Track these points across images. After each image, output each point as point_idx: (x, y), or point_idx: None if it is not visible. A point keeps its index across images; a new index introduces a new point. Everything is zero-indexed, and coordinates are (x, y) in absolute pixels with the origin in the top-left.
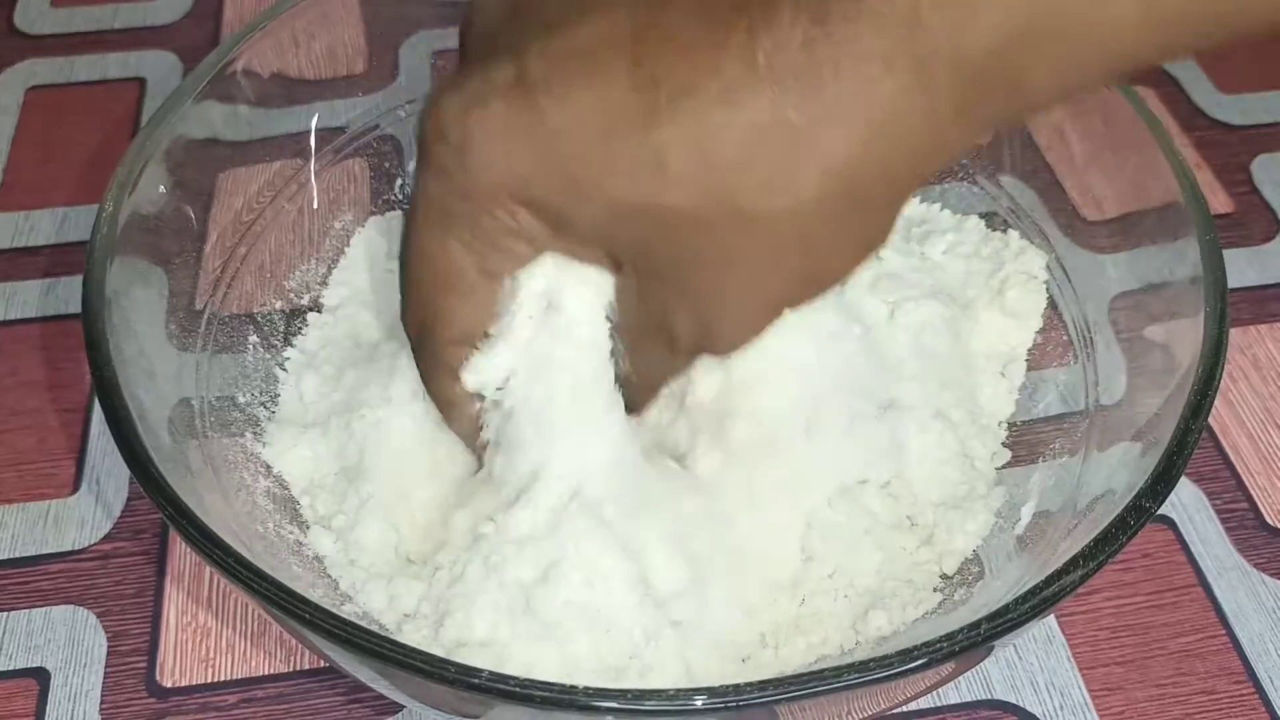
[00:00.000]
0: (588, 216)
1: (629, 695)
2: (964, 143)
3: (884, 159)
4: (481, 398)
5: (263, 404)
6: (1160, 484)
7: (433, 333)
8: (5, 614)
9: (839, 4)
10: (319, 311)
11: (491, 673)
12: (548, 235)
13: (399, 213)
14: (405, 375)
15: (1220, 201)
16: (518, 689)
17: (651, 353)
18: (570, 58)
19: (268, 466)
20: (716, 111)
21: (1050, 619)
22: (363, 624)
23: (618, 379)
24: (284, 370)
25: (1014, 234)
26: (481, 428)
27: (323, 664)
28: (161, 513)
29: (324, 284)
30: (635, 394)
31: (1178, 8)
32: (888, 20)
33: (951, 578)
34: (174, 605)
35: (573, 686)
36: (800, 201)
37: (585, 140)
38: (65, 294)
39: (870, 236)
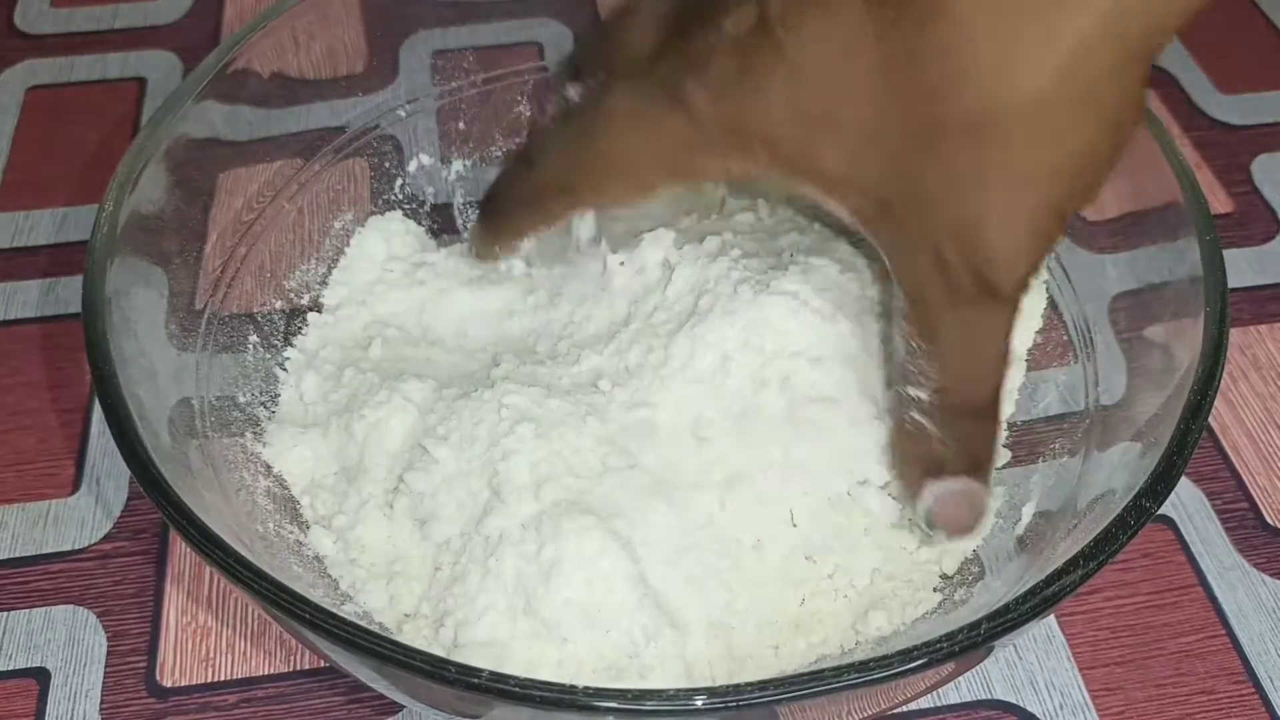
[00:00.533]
0: (835, 153)
1: (629, 695)
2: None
3: (1127, 23)
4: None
5: (263, 404)
6: (1160, 484)
7: (567, 181)
8: (5, 614)
9: None
10: (319, 311)
11: (491, 673)
12: (789, 179)
13: (399, 212)
14: (406, 375)
15: (1220, 201)
16: (517, 689)
17: (948, 321)
18: None
19: (268, 466)
20: (943, 8)
21: (1050, 619)
22: (363, 624)
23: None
24: (284, 370)
25: None
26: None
27: (323, 664)
28: (161, 513)
29: (324, 284)
30: (965, 398)
31: None
32: None
33: (951, 578)
34: (174, 605)
35: (572, 686)
36: (1041, 79)
37: (825, 69)
38: (65, 294)
39: (1123, 114)
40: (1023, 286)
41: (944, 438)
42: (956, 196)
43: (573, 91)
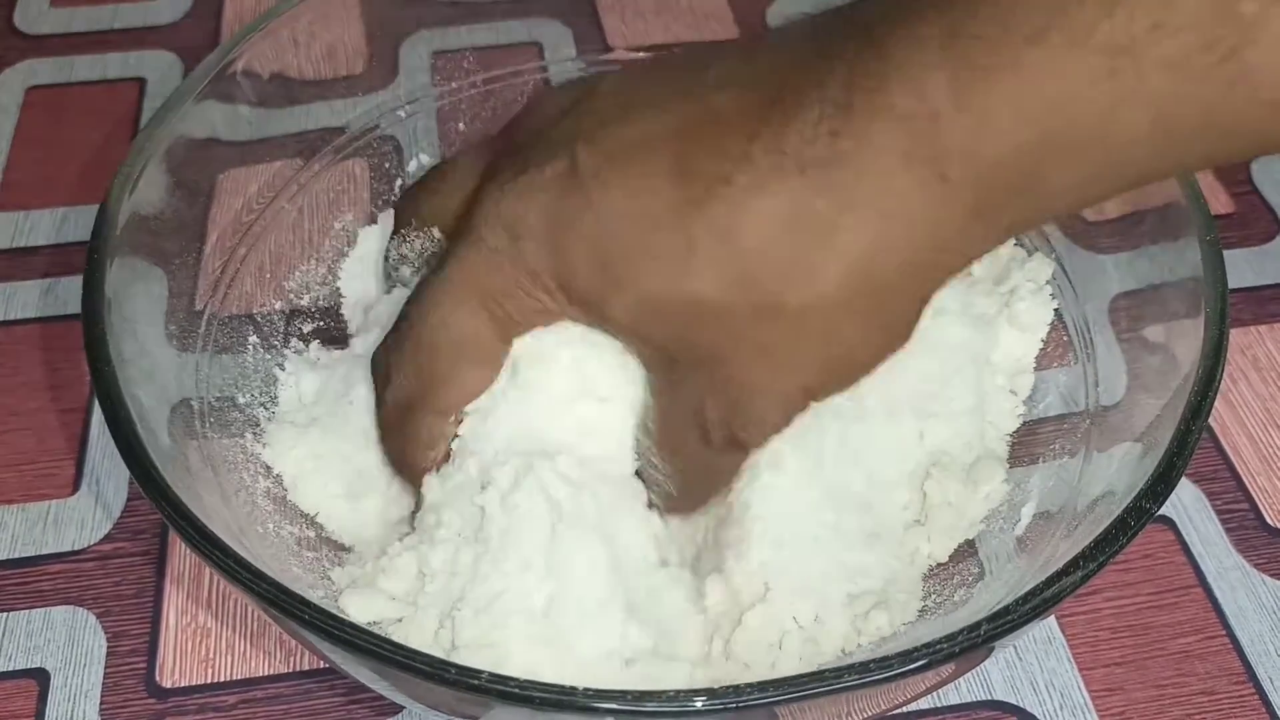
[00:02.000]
0: (623, 307)
1: (629, 696)
2: (985, 244)
3: (901, 250)
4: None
5: (262, 404)
6: (1161, 485)
7: (429, 402)
8: (5, 614)
9: (863, 99)
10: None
11: (491, 674)
12: (582, 316)
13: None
14: None
15: (1220, 202)
16: (517, 690)
17: (690, 452)
18: (618, 152)
19: (267, 467)
20: (746, 200)
21: (1050, 619)
22: (362, 625)
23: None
24: (283, 370)
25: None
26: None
27: (322, 665)
28: (161, 513)
29: (324, 284)
30: (678, 503)
31: (1188, 124)
32: (908, 119)
33: (946, 564)
34: (174, 606)
35: (572, 688)
36: (822, 290)
37: (626, 229)
38: (65, 294)
39: (894, 331)
40: (763, 445)
41: (672, 502)
42: (731, 366)
43: (396, 254)
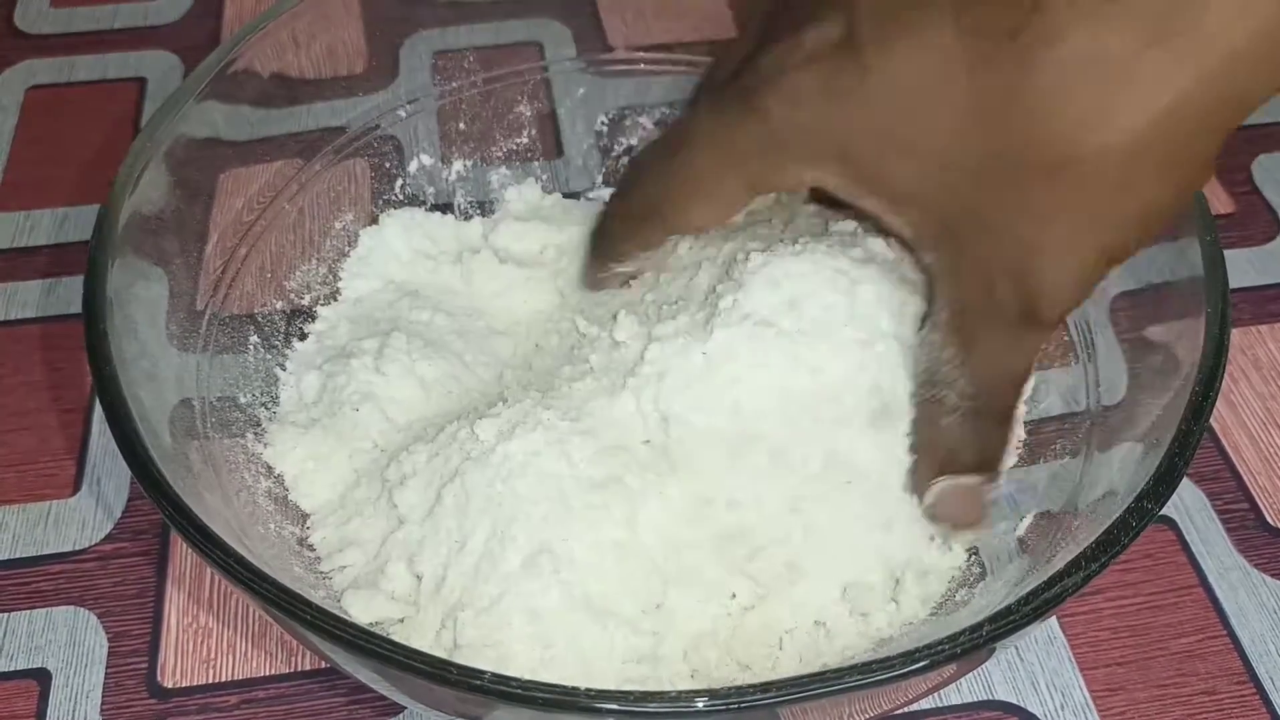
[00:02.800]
0: (908, 173)
1: (630, 697)
2: None
3: (1218, 89)
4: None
5: (263, 404)
6: (1162, 485)
7: (663, 214)
8: (6, 615)
9: None
10: (327, 304)
11: (494, 674)
12: (853, 191)
13: (407, 210)
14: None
15: (1221, 201)
16: (519, 690)
17: (985, 338)
18: (895, 13)
19: (268, 467)
20: (1038, 50)
21: (1052, 619)
22: (363, 625)
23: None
24: (284, 370)
25: None
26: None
27: (324, 665)
28: (162, 513)
29: (324, 284)
30: (964, 428)
31: None
32: None
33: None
34: (175, 606)
35: (574, 688)
36: (1123, 135)
37: (911, 93)
38: (65, 294)
39: (1195, 171)
40: (1062, 319)
41: (961, 437)
42: (1023, 230)
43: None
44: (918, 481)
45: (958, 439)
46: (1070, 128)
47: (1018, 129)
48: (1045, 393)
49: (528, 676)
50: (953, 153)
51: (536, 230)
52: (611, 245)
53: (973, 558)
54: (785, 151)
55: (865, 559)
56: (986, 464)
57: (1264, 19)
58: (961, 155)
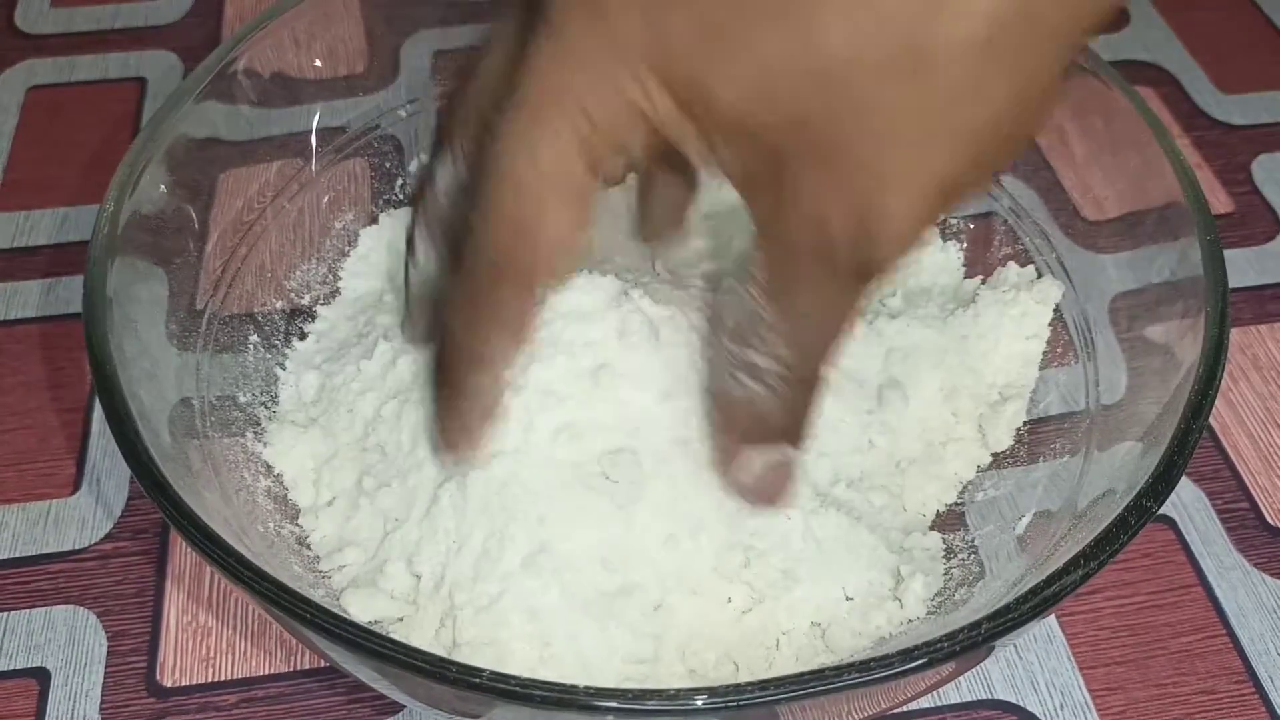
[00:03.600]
0: (733, 84)
1: (629, 695)
2: None
3: None
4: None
5: (263, 404)
6: (1161, 484)
7: (512, 258)
8: (5, 614)
9: None
10: (327, 304)
11: (492, 672)
12: (676, 118)
13: (407, 210)
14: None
15: (1221, 201)
16: (518, 689)
17: (806, 292)
18: None
19: (268, 466)
20: None
21: (1051, 618)
22: (363, 624)
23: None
24: (284, 370)
25: (1029, 268)
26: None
27: (323, 664)
28: (162, 512)
29: (324, 283)
30: (774, 393)
31: None
32: None
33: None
34: (174, 605)
35: (573, 686)
36: (968, 27)
37: None
38: (65, 294)
39: (1035, 81)
40: (888, 270)
41: (770, 402)
42: (859, 151)
43: (444, 169)
44: (718, 450)
45: (765, 405)
46: (913, 21)
47: (858, 19)
48: (1045, 392)
49: (526, 675)
50: (784, 56)
51: None
52: (483, 343)
53: (972, 557)
54: (606, 74)
55: (863, 561)
56: (794, 433)
57: None
58: (794, 58)
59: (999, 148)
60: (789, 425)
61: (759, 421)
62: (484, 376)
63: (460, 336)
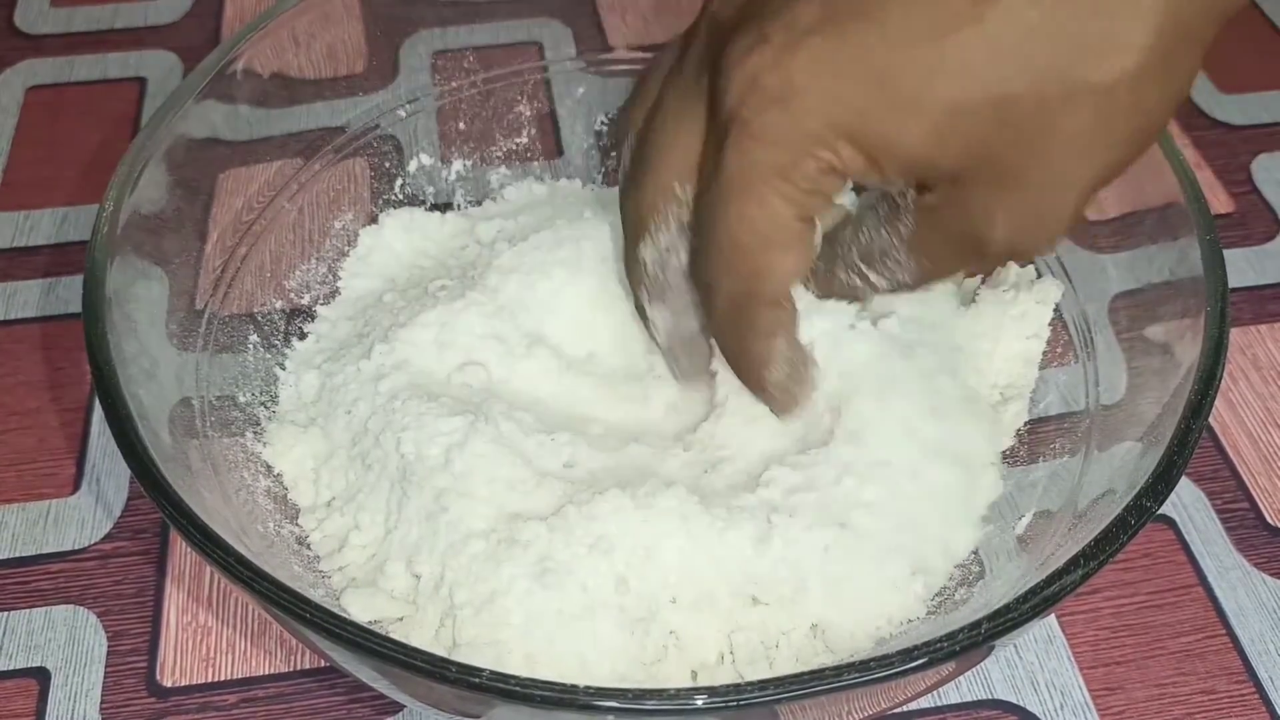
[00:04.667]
0: (919, 130)
1: (629, 695)
2: None
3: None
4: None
5: (263, 404)
6: (1161, 484)
7: (757, 294)
8: (5, 614)
9: None
10: (326, 304)
11: (492, 672)
12: (864, 167)
13: (407, 210)
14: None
15: (1220, 201)
16: (518, 688)
17: (945, 260)
18: None
19: (268, 466)
20: None
21: (1051, 618)
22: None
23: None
24: (284, 370)
25: (1029, 268)
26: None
27: (323, 664)
28: (162, 512)
29: (324, 283)
30: (875, 291)
31: None
32: None
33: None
34: (174, 605)
35: (573, 686)
36: (1131, 57)
37: (911, 49)
38: (65, 294)
39: (1183, 83)
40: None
41: (877, 293)
42: (1033, 169)
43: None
44: (811, 289)
45: (864, 292)
46: (1083, 57)
47: (1034, 68)
48: (1044, 392)
49: (526, 675)
50: (971, 96)
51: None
52: (746, 355)
53: (972, 556)
54: (800, 147)
55: (865, 562)
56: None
57: None
58: (968, 103)
59: (1153, 134)
60: (868, 298)
61: (852, 295)
62: (774, 367)
63: (742, 361)
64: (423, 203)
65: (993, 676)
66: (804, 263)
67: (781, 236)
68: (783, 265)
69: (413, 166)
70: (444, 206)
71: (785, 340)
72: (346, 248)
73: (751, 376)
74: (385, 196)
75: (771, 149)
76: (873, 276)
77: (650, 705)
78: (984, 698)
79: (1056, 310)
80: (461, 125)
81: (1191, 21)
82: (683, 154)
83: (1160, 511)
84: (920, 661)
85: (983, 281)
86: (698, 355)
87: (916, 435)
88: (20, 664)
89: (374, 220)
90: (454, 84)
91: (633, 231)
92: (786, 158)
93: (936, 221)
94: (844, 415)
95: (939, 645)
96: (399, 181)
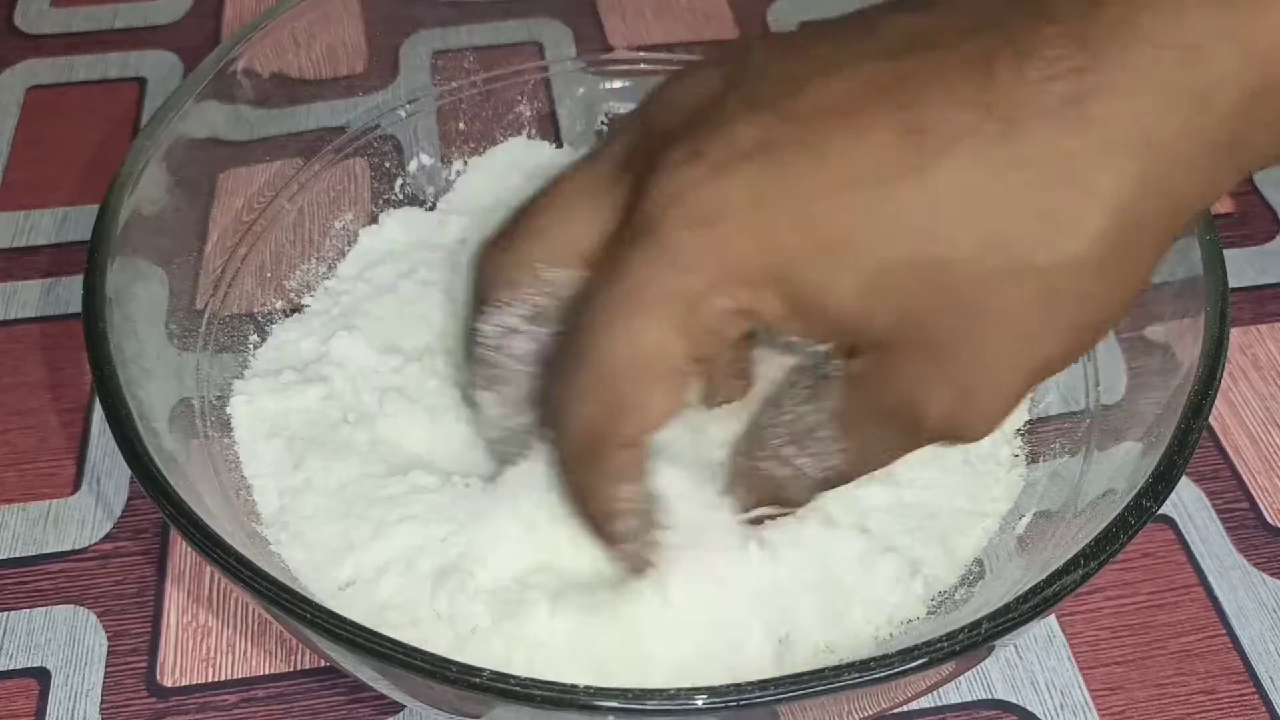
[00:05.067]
0: (849, 286)
1: (629, 695)
2: (1230, 181)
3: (1162, 191)
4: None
5: None
6: (1161, 483)
7: (617, 429)
8: (5, 614)
9: (1108, 29)
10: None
11: (492, 672)
12: (784, 315)
13: (407, 210)
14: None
15: (1220, 201)
16: (518, 688)
17: (875, 442)
18: (825, 113)
19: None
20: (992, 149)
21: (1051, 618)
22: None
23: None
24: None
25: None
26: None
27: (323, 663)
28: (162, 512)
29: (324, 283)
30: (803, 484)
31: None
32: (1165, 48)
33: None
34: (174, 605)
35: (573, 686)
36: (1080, 242)
37: (849, 196)
38: (65, 294)
39: (1136, 282)
40: (982, 438)
41: (795, 486)
42: (965, 347)
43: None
44: (739, 502)
45: (789, 489)
46: (1027, 234)
47: (976, 234)
48: (1045, 392)
49: (526, 675)
50: (906, 258)
51: None
52: (592, 502)
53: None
54: (714, 280)
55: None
56: (802, 504)
57: (1185, 116)
58: (909, 265)
59: (1102, 329)
60: (803, 502)
61: (778, 494)
62: (624, 518)
63: (589, 504)
64: (423, 203)
65: (993, 676)
66: (674, 411)
67: (663, 372)
68: (655, 404)
69: (413, 166)
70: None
71: (637, 487)
72: (346, 248)
73: (597, 522)
74: (385, 196)
75: (684, 273)
76: (801, 460)
77: (650, 705)
78: (984, 698)
79: None
80: (461, 125)
81: (1153, 215)
82: (566, 237)
83: (1160, 511)
84: (920, 661)
85: None
86: (524, 450)
87: None
88: (20, 664)
89: (374, 220)
90: (454, 84)
91: (478, 297)
92: (699, 286)
93: (866, 392)
94: None
95: (939, 645)
96: (399, 181)
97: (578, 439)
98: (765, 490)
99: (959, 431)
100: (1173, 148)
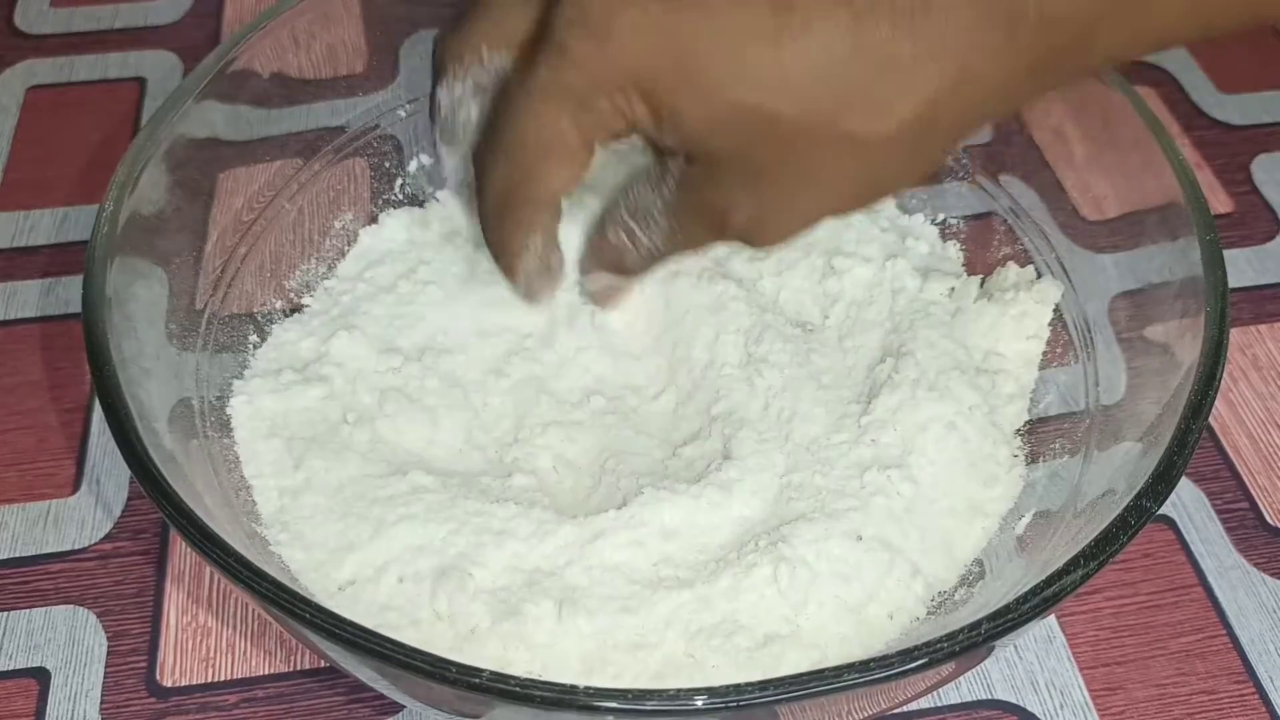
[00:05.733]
0: (700, 114)
1: (629, 695)
2: (1029, 99)
3: (966, 98)
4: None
5: None
6: (1161, 484)
7: (524, 191)
8: (5, 614)
9: None
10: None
11: (492, 672)
12: (648, 122)
13: (407, 210)
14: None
15: (1220, 201)
16: (518, 689)
17: (690, 229)
18: None
19: None
20: (840, 36)
21: (1051, 619)
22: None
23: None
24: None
25: (1029, 268)
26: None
27: (323, 664)
28: (161, 513)
29: (324, 283)
30: (637, 255)
31: None
32: None
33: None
34: (174, 605)
35: (573, 686)
36: (889, 126)
37: (721, 48)
38: (65, 294)
39: (924, 167)
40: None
41: (632, 256)
42: (776, 182)
43: (446, 95)
44: (585, 271)
45: (628, 258)
46: (851, 110)
47: (811, 99)
48: (1045, 392)
49: (526, 675)
50: (750, 105)
51: None
52: (504, 245)
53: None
54: (602, 85)
55: (865, 562)
56: (636, 275)
57: (1000, 38)
58: (757, 108)
59: (884, 195)
60: (636, 272)
61: (618, 262)
62: (526, 257)
63: (499, 247)
64: (423, 203)
65: (993, 676)
66: (572, 180)
67: (560, 150)
68: (553, 174)
69: (413, 166)
70: None
71: (543, 238)
72: (346, 248)
73: (504, 261)
74: (385, 196)
75: (578, 75)
76: (638, 232)
77: (650, 705)
78: (984, 698)
79: (1056, 310)
80: None
81: (953, 115)
82: (501, 27)
83: (1160, 511)
84: (920, 662)
85: (982, 285)
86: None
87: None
88: (20, 664)
89: (374, 220)
90: None
91: (436, 71)
92: (587, 86)
93: (693, 191)
94: None
95: (939, 645)
96: (399, 181)
97: (493, 195)
98: (609, 257)
99: (752, 239)
100: (982, 65)
